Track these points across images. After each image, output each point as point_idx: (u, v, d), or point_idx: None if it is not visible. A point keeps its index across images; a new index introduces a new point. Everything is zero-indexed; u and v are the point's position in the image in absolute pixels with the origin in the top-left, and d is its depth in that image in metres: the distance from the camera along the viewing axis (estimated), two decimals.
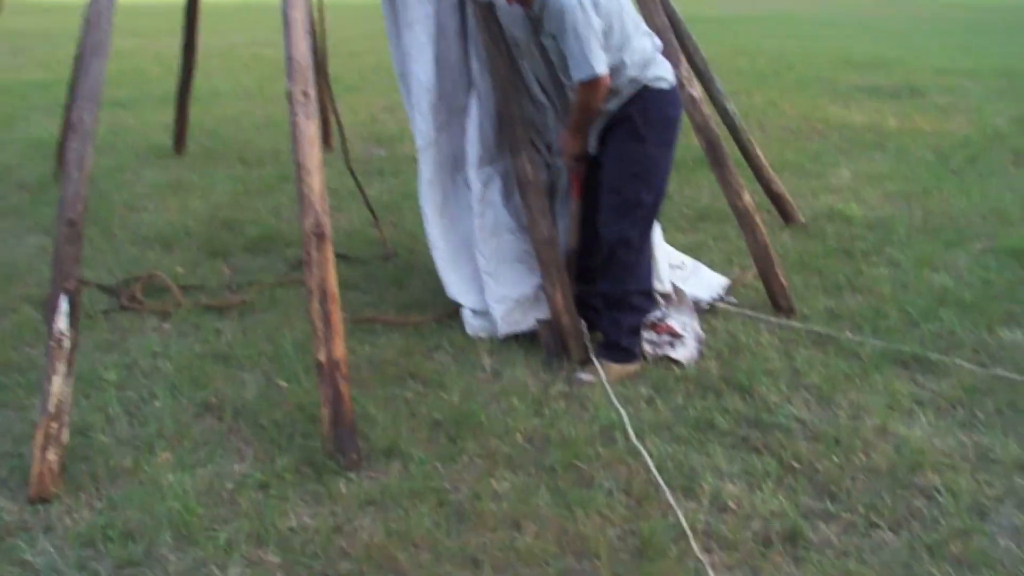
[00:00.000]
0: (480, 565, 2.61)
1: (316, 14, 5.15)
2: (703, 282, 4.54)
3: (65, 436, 2.99)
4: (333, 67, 6.43)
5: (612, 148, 3.77)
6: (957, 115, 9.33)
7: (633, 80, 3.66)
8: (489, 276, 4.12)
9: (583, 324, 3.90)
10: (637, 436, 3.25)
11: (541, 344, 3.92)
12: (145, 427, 3.33)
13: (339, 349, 3.12)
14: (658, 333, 3.95)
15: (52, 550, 2.67)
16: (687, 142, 4.60)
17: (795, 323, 4.24)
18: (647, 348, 3.89)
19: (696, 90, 4.52)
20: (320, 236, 3.15)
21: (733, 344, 4.04)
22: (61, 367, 3.00)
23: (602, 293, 3.87)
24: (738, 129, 5.52)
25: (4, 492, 2.95)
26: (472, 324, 4.13)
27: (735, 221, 4.56)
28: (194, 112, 7.66)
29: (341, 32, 13.30)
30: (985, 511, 2.87)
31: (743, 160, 5.51)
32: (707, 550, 2.68)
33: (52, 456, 2.92)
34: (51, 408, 2.96)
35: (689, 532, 2.73)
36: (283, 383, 3.66)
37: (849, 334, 4.10)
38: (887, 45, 15.70)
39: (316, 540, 2.71)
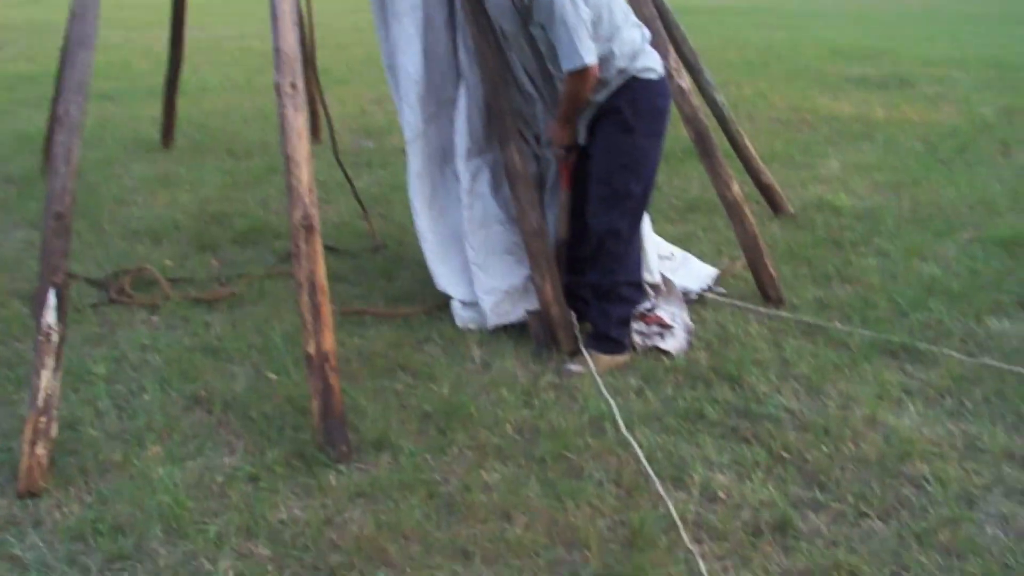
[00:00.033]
0: (470, 556, 2.62)
1: (304, 6, 5.13)
2: (692, 273, 4.55)
3: (54, 430, 2.98)
4: (321, 59, 6.40)
5: (601, 139, 3.77)
6: (945, 105, 9.36)
7: (622, 71, 3.66)
8: (478, 268, 4.12)
9: (572, 315, 3.90)
10: (627, 427, 3.26)
11: (531, 335, 3.92)
12: (134, 420, 3.32)
13: (328, 341, 3.12)
14: (647, 324, 3.95)
15: (42, 544, 2.66)
16: (676, 133, 4.60)
17: (784, 313, 4.25)
18: (636, 339, 3.90)
19: (685, 81, 4.53)
20: (309, 228, 3.15)
21: (722, 335, 4.05)
22: (49, 361, 2.99)
23: (591, 284, 3.87)
24: (727, 120, 5.52)
25: None
26: (461, 316, 4.13)
27: (724, 212, 4.57)
28: (182, 105, 7.61)
29: (329, 24, 13.25)
30: (973, 499, 2.89)
31: (732, 151, 5.52)
32: (697, 540, 2.69)
33: (41, 450, 2.91)
34: (40, 402, 2.94)
35: (679, 522, 2.74)
36: (272, 375, 3.65)
37: (838, 324, 4.12)
38: (876, 36, 15.72)
39: (306, 532, 2.71)
